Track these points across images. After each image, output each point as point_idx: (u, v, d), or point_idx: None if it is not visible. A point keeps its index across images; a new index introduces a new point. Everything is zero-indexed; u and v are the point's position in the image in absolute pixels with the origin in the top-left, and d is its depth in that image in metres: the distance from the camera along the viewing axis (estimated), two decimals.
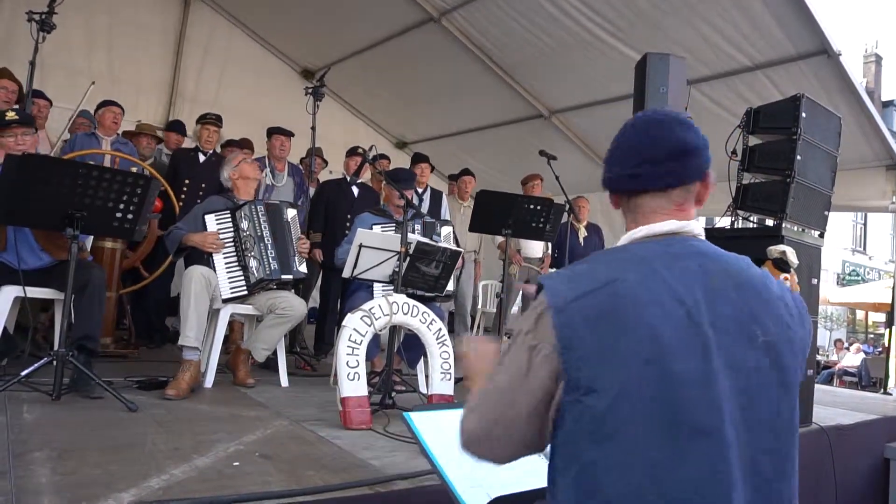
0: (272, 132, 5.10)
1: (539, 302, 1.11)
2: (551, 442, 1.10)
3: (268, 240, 3.55)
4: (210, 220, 3.51)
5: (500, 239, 5.74)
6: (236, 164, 3.74)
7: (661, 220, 1.16)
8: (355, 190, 5.07)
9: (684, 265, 1.10)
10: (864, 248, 25.37)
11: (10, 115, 3.20)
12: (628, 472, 1.00)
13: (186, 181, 4.90)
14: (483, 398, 1.13)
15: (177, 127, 5.68)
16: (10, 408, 2.52)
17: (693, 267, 1.10)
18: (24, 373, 2.67)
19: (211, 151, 5.11)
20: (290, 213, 3.74)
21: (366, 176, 5.47)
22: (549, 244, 5.97)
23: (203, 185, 4.89)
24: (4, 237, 3.10)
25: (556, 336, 1.04)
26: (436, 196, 5.65)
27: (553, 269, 6.37)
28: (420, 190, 5.55)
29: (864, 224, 25.29)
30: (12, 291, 3.06)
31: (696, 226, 1.19)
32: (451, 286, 3.98)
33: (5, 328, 3.10)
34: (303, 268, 3.74)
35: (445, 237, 4.00)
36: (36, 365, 2.72)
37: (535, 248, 6.05)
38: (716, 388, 1.02)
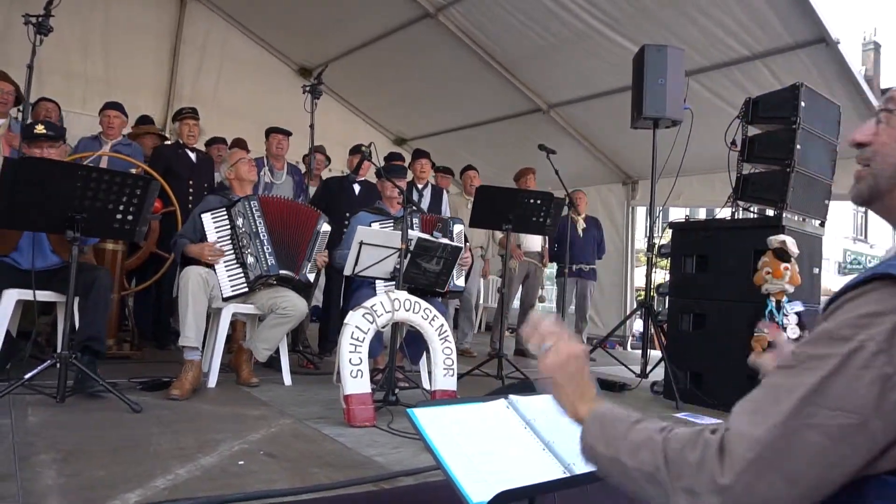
0: (270, 132, 5.12)
1: None
2: None
3: (263, 235, 3.54)
4: (207, 219, 3.50)
5: (499, 234, 5.73)
6: (233, 164, 3.75)
7: None
8: (356, 187, 5.07)
9: None
10: (866, 237, 25.36)
11: (40, 128, 3.21)
12: None
13: (190, 182, 4.84)
14: (774, 451, 0.77)
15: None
16: (15, 411, 2.53)
17: None
18: (27, 375, 2.67)
19: (199, 151, 5.04)
20: (325, 227, 3.79)
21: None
22: (548, 238, 5.97)
23: (205, 186, 4.87)
24: (17, 238, 3.10)
25: None
26: (436, 192, 5.64)
27: (553, 263, 6.37)
28: (420, 186, 5.54)
29: (865, 212, 25.23)
30: (15, 295, 3.06)
31: None
32: (461, 282, 3.98)
33: (8, 331, 3.10)
34: (311, 275, 3.78)
35: (458, 235, 3.97)
36: (39, 367, 2.72)
37: (534, 242, 6.05)
38: None
